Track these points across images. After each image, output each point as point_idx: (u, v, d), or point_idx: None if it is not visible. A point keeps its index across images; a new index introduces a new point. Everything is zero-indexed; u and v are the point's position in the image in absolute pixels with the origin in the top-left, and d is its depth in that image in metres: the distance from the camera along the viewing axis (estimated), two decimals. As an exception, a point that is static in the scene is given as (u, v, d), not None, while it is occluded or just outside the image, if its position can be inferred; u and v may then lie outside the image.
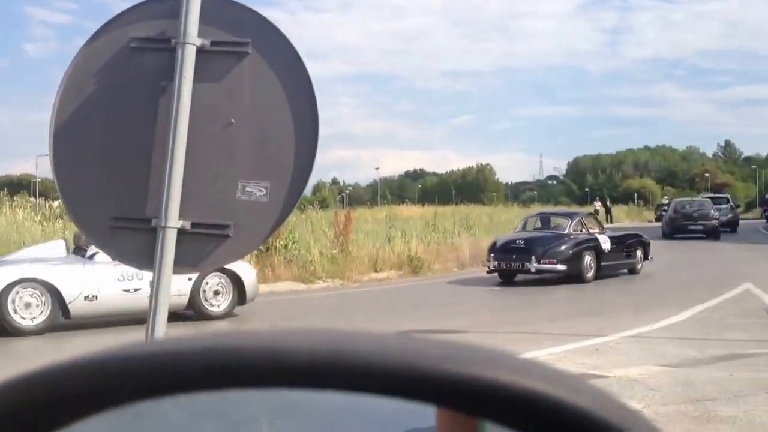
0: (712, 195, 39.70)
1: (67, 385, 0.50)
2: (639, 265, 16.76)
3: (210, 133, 2.96)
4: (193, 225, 2.95)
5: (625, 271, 16.34)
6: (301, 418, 0.67)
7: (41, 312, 9.63)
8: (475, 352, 0.49)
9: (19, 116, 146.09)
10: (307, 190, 3.35)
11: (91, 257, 10.06)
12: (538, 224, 17.11)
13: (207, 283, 10.70)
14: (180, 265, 2.97)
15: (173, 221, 2.89)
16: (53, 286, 9.68)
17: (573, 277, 14.79)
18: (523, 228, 17.02)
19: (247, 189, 2.97)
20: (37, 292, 9.62)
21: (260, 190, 2.97)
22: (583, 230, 15.98)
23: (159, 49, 2.94)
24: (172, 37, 2.90)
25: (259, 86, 2.98)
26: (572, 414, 0.47)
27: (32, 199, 35.16)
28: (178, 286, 10.08)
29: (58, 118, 2.97)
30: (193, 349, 0.49)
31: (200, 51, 2.91)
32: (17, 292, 9.53)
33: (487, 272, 15.66)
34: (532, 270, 14.80)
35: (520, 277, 15.46)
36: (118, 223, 2.98)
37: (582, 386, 0.49)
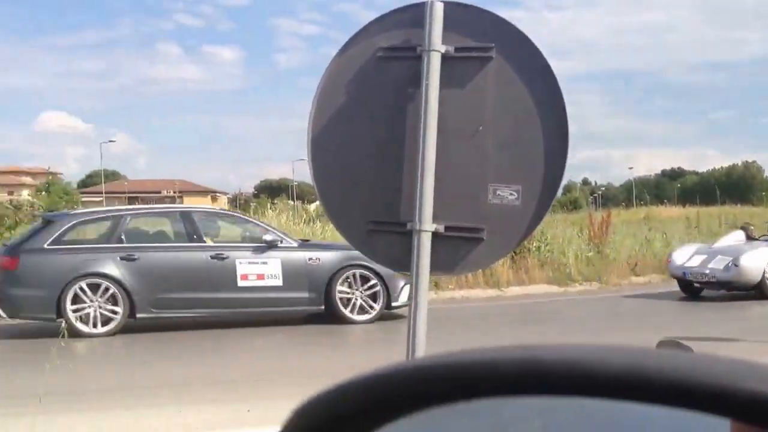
0: None
1: (393, 387, 0.58)
2: None
3: (458, 137, 2.98)
4: (447, 228, 2.98)
5: None
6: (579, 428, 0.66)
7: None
8: None
9: (274, 124, 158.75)
10: (558, 191, 3.26)
11: None
12: None
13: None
14: (436, 269, 3.02)
15: (427, 225, 2.95)
16: None
17: None
18: None
19: (498, 193, 2.95)
20: None
21: (512, 194, 2.94)
22: None
23: (405, 58, 3.01)
24: (417, 45, 2.96)
25: (504, 90, 2.95)
26: None
27: (290, 202, 37.86)
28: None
29: (314, 127, 3.14)
30: (510, 359, 0.56)
31: (445, 57, 2.94)
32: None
33: None
34: None
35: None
36: (375, 227, 3.10)
37: None
